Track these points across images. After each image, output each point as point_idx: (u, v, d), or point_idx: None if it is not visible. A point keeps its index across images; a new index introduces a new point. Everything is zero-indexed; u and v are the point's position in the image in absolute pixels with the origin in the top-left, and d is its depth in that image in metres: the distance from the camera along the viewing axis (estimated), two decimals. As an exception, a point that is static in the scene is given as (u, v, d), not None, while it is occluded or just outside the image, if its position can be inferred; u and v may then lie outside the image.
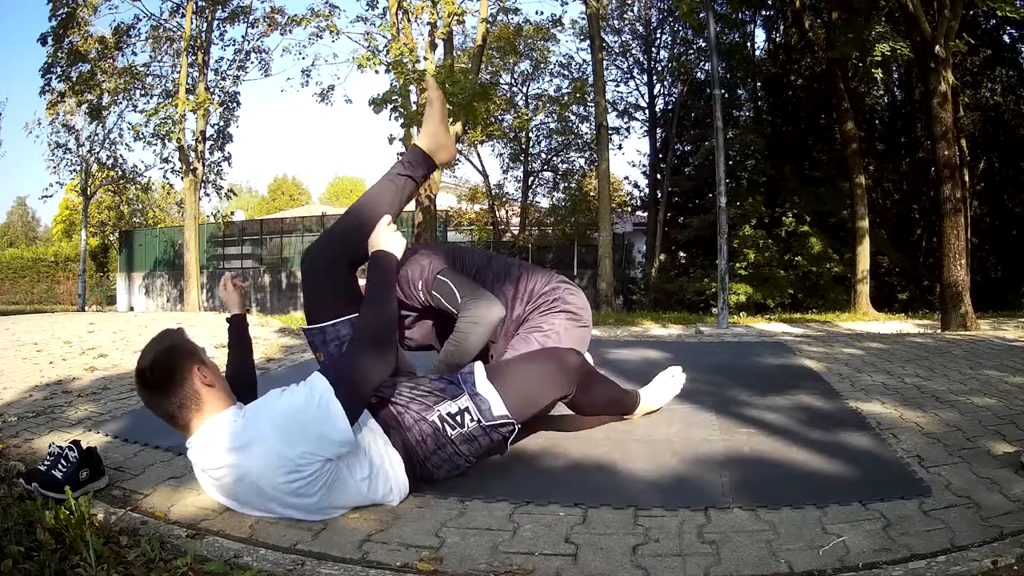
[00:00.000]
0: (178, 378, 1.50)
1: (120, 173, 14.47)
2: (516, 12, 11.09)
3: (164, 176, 13.61)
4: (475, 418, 1.68)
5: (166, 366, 1.51)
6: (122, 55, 12.92)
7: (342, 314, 1.83)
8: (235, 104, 13.41)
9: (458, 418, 1.67)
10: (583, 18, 13.83)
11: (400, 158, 2.03)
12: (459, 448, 1.68)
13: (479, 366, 1.78)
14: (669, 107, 17.09)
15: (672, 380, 2.35)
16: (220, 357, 2.11)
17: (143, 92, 13.09)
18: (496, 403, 1.69)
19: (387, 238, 1.78)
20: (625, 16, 17.67)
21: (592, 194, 16.63)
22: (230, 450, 1.47)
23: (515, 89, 18.27)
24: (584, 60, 17.43)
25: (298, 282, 16.22)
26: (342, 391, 1.49)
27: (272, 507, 1.52)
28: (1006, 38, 12.72)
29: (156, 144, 12.66)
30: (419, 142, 2.00)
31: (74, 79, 12.32)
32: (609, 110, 14.68)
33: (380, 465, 1.59)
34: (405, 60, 9.34)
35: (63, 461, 1.67)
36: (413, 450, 1.65)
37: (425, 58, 10.33)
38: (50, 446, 1.75)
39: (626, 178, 25.51)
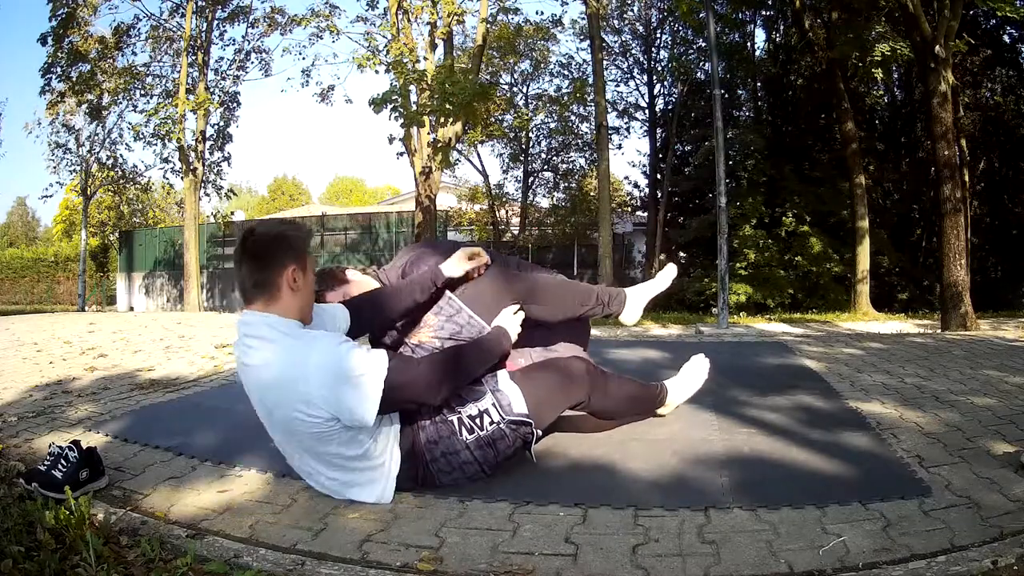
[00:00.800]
0: (270, 261, 1.52)
1: (120, 173, 14.45)
2: (516, 12, 11.10)
3: (164, 176, 13.61)
4: (495, 419, 1.69)
5: (267, 246, 1.53)
6: (122, 55, 12.93)
7: (474, 311, 1.90)
8: (235, 104, 13.41)
9: (478, 420, 1.68)
10: (583, 18, 13.83)
11: (606, 289, 2.21)
12: (473, 454, 1.68)
13: (502, 370, 1.82)
14: (669, 107, 17.09)
15: (697, 367, 2.24)
16: (220, 358, 2.10)
17: (143, 92, 13.08)
18: (517, 399, 1.72)
19: (512, 322, 1.86)
20: (625, 16, 17.68)
21: (592, 194, 16.63)
22: (268, 348, 1.50)
23: (515, 89, 18.28)
24: (584, 60, 17.44)
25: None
26: (392, 381, 1.51)
27: (266, 421, 1.59)
28: (1006, 38, 12.72)
29: (156, 144, 12.65)
30: (630, 293, 2.21)
31: (74, 79, 12.31)
32: (609, 110, 14.69)
33: (378, 458, 1.60)
34: (405, 60, 9.34)
35: (63, 461, 1.67)
36: (421, 451, 1.65)
37: (425, 58, 10.33)
38: (50, 446, 1.75)
39: (626, 178, 25.53)
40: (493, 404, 1.70)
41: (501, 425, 1.69)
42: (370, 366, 1.50)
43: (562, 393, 1.84)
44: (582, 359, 1.98)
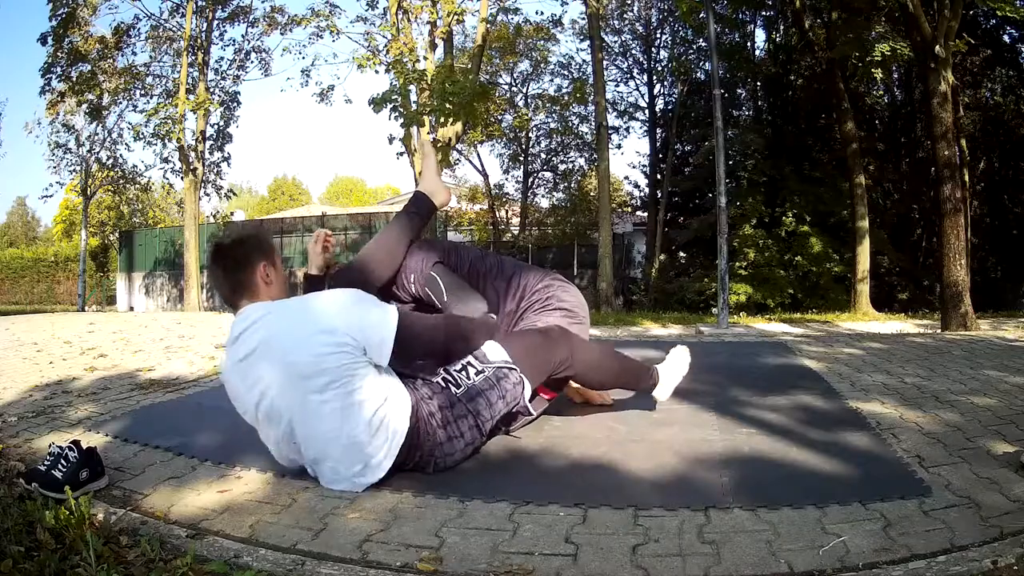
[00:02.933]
0: (243, 265, 1.69)
1: (120, 173, 14.45)
2: (516, 12, 11.12)
3: (164, 176, 13.64)
4: (478, 368, 1.76)
5: (238, 253, 1.70)
6: (122, 55, 12.93)
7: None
8: (235, 104, 13.41)
9: (463, 373, 1.76)
10: (583, 18, 13.86)
11: (408, 202, 2.34)
12: (467, 406, 1.73)
13: None
14: (669, 107, 17.11)
15: (679, 354, 2.23)
16: (220, 358, 2.11)
17: (143, 92, 13.10)
18: (496, 350, 1.80)
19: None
20: (625, 16, 17.70)
21: (592, 194, 16.65)
22: (266, 320, 1.61)
23: (515, 89, 18.31)
24: (584, 60, 17.49)
25: (298, 281, 16.18)
26: (404, 321, 1.67)
27: (278, 405, 1.63)
28: (1006, 38, 12.73)
29: (156, 144, 12.65)
30: (421, 188, 2.36)
31: (74, 79, 12.32)
32: (609, 110, 14.73)
33: (385, 421, 1.65)
34: (405, 60, 9.34)
35: (63, 461, 1.67)
36: (417, 409, 1.70)
37: (425, 58, 10.33)
38: (50, 446, 1.75)
39: (626, 178, 25.51)
40: (473, 356, 1.79)
41: (486, 372, 1.76)
42: (382, 310, 1.67)
43: (543, 349, 1.86)
44: (558, 324, 2.03)
